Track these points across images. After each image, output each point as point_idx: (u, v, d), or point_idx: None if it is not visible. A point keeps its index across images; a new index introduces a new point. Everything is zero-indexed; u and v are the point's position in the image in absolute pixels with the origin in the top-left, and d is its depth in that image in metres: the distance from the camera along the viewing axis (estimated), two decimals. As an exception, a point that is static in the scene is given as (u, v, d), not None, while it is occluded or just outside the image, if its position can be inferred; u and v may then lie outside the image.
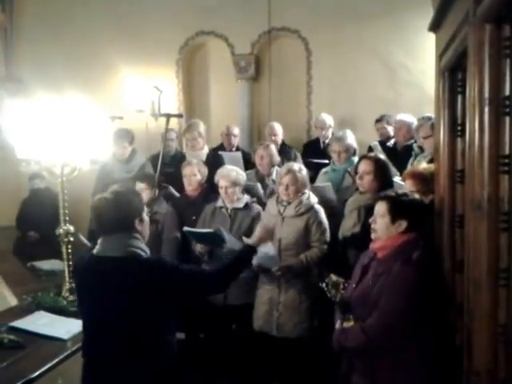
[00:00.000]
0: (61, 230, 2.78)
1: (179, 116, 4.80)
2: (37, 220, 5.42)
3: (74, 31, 6.30)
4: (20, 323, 2.38)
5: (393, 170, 3.58)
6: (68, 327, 2.40)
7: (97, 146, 2.84)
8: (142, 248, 2.08)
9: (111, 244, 2.04)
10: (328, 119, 5.28)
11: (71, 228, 2.80)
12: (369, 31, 5.60)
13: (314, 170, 4.27)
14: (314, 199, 3.50)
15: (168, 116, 3.81)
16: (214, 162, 4.39)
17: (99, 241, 2.07)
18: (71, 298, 2.71)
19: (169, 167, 4.69)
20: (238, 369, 3.50)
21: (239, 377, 3.55)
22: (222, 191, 3.65)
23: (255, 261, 3.26)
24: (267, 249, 3.17)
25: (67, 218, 2.82)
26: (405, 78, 5.64)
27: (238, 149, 5.34)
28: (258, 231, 2.50)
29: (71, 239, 2.81)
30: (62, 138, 2.72)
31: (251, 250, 2.38)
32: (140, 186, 3.75)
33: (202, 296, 2.65)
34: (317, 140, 5.40)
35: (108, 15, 6.24)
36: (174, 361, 2.09)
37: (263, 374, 3.41)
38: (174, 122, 5.92)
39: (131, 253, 2.04)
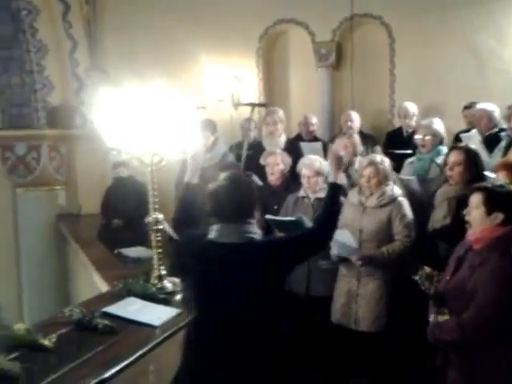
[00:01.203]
0: (150, 219, 2.82)
1: (263, 105, 4.77)
2: (120, 208, 5.59)
3: (155, 22, 6.41)
4: (112, 309, 2.44)
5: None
6: (158, 314, 2.43)
7: (185, 135, 2.84)
8: (258, 233, 2.09)
9: (229, 231, 2.04)
10: (412, 107, 5.09)
11: (160, 216, 2.84)
12: (455, 18, 5.39)
13: (397, 161, 4.12)
14: (397, 191, 3.38)
15: (252, 105, 3.77)
16: (291, 151, 4.33)
17: (215, 227, 2.06)
18: (159, 285, 2.74)
19: (247, 156, 4.69)
20: (316, 362, 3.43)
21: (318, 370, 3.49)
22: (304, 181, 3.59)
23: (334, 250, 3.22)
24: (345, 237, 3.09)
25: (156, 207, 2.85)
26: (495, 65, 5.41)
27: (316, 138, 5.26)
28: (330, 164, 2.48)
29: (160, 227, 2.84)
30: (152, 127, 2.75)
31: (336, 187, 2.33)
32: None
33: (314, 254, 2.65)
34: (400, 129, 5.22)
35: (187, 5, 6.31)
36: (287, 346, 2.09)
37: (342, 368, 3.33)
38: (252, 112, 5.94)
39: (248, 238, 2.04)
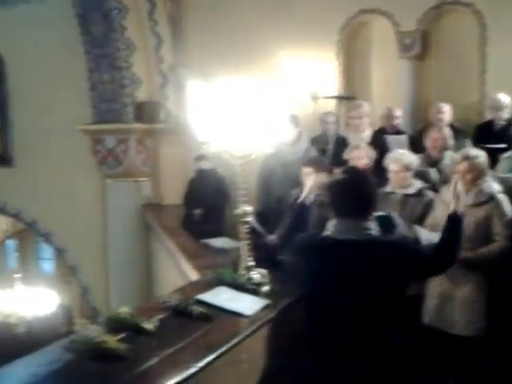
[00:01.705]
0: (238, 211, 2.89)
1: (351, 98, 4.71)
2: (201, 199, 5.77)
3: (236, 17, 6.49)
4: (204, 296, 2.53)
5: None
6: (249, 304, 2.49)
7: (273, 129, 2.88)
8: (376, 229, 2.07)
9: (348, 226, 2.02)
10: (505, 99, 4.82)
11: (248, 209, 2.90)
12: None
13: (489, 156, 3.93)
14: (496, 188, 3.20)
15: (339, 98, 3.74)
16: (377, 145, 4.25)
17: (333, 222, 2.07)
18: (248, 275, 2.81)
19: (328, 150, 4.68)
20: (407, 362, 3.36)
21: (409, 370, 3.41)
22: (392, 176, 3.51)
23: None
24: (434, 237, 2.99)
25: (244, 199, 2.91)
26: None
27: (399, 131, 5.13)
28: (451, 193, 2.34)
29: (248, 219, 2.90)
30: (242, 120, 2.80)
31: (456, 219, 2.23)
32: (306, 171, 3.76)
33: (429, 276, 2.62)
34: (490, 122, 4.96)
35: (267, -1, 6.35)
36: (400, 350, 2.06)
37: (436, 370, 3.24)
38: (331, 105, 5.90)
39: (368, 235, 2.02)
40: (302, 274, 2.17)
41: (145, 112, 6.62)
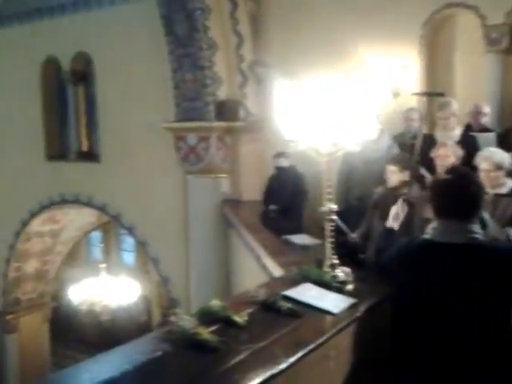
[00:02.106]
0: (324, 208, 2.89)
1: (441, 94, 4.57)
2: (279, 196, 5.82)
3: (317, 14, 6.46)
4: (291, 293, 2.56)
5: None
6: (335, 301, 2.49)
7: (360, 126, 2.86)
8: (481, 233, 1.97)
9: (452, 229, 1.95)
10: None
11: (334, 207, 2.90)
12: None
13: None
14: None
15: (429, 95, 3.64)
16: (467, 143, 4.09)
17: (435, 224, 2.03)
18: (332, 273, 2.81)
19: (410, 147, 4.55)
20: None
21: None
22: (482, 175, 3.37)
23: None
24: None
25: (330, 197, 2.91)
26: None
27: (487, 129, 4.90)
28: None
29: (333, 217, 2.90)
30: (328, 118, 2.80)
31: None
32: (391, 169, 3.70)
33: None
34: None
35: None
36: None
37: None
38: (414, 102, 5.73)
39: (473, 239, 1.93)
40: (400, 278, 2.11)
41: (225, 110, 6.77)
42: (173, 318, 2.15)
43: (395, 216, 3.14)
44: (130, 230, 8.35)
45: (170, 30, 6.66)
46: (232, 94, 6.86)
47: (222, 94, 6.81)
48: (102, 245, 14.14)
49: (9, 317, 9.89)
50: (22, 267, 9.79)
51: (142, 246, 8.41)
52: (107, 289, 9.12)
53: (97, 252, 15.13)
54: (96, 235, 14.63)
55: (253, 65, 6.89)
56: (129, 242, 15.10)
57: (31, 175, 9.04)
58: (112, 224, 13.63)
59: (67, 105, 8.71)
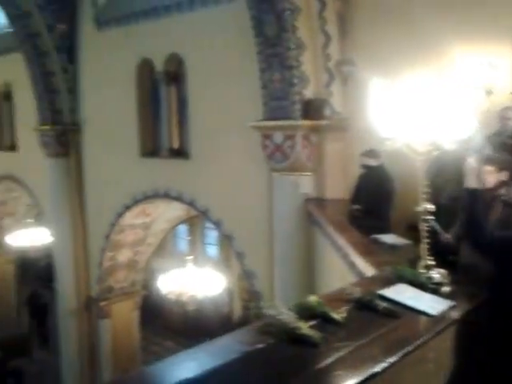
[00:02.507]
0: (420, 208, 2.88)
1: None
2: (366, 195, 5.77)
3: (406, 12, 6.30)
4: (387, 292, 2.58)
5: None
6: (432, 303, 2.48)
7: (457, 125, 2.81)
8: None
9: None
10: None
11: (430, 206, 2.87)
12: None
13: None
14: None
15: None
16: None
17: None
18: (427, 274, 2.79)
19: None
20: None
21: None
22: None
23: None
24: None
25: (425, 197, 2.89)
26: None
27: None
28: None
29: (429, 217, 2.88)
30: (426, 117, 2.78)
31: None
32: (487, 169, 3.58)
33: None
34: None
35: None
36: None
37: None
38: (508, 101, 5.46)
39: None
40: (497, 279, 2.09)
41: (311, 109, 6.81)
42: (272, 312, 2.25)
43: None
44: (217, 225, 8.63)
45: (260, 31, 6.79)
46: (318, 93, 6.89)
47: (309, 92, 6.84)
48: (189, 238, 14.68)
49: (103, 303, 10.59)
50: (116, 257, 10.45)
51: (227, 240, 8.66)
52: (194, 280, 9.50)
53: (183, 244, 15.78)
54: (182, 228, 15.25)
55: (339, 64, 6.87)
56: (212, 235, 15.62)
57: (126, 171, 9.61)
58: (198, 218, 14.16)
59: (160, 104, 9.15)
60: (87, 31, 9.79)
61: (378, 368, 1.91)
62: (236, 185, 8.06)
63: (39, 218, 12.10)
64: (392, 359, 1.97)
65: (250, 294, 14.17)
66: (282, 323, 2.16)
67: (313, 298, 2.37)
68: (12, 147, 12.37)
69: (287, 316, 2.20)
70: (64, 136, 10.17)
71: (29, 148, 11.54)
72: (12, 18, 9.53)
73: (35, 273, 18.39)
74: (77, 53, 9.95)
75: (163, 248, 14.56)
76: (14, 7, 9.18)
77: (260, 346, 2.07)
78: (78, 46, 9.92)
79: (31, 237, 11.59)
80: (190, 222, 14.48)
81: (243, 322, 14.76)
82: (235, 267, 14.89)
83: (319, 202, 6.91)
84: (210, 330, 14.63)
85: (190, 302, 9.66)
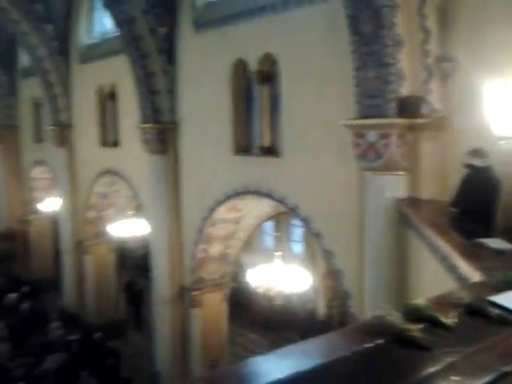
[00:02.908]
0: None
1: None
2: (470, 197, 5.52)
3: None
4: (498, 299, 2.52)
5: None
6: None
7: None
8: None
9: None
10: None
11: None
12: None
13: None
14: None
15: None
16: None
17: None
18: (541, 283, 2.69)
19: None
20: None
21: None
22: None
23: None
24: None
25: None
26: None
27: None
28: None
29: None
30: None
31: None
32: None
33: None
34: None
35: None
36: None
37: None
38: None
39: None
40: None
41: (407, 107, 6.67)
42: (378, 312, 2.29)
43: None
44: (306, 222, 8.71)
45: (355, 29, 6.75)
46: (415, 90, 6.73)
47: (405, 90, 6.71)
48: (279, 234, 14.90)
49: (194, 293, 11.08)
50: (208, 249, 10.88)
51: (315, 238, 8.72)
52: (281, 275, 9.67)
53: (269, 240, 16.05)
54: (269, 225, 15.51)
55: (439, 60, 6.66)
56: (298, 233, 15.74)
57: (219, 168, 9.97)
58: (284, 215, 14.35)
59: (253, 103, 9.39)
60: (186, 33, 10.25)
61: (491, 377, 1.88)
62: (325, 183, 8.10)
63: (138, 210, 12.85)
64: (507, 368, 1.93)
65: (334, 292, 14.16)
66: (390, 324, 2.19)
67: (420, 301, 2.38)
68: (115, 143, 13.26)
69: (395, 317, 2.23)
70: (163, 134, 10.75)
71: (130, 144, 12.32)
72: (118, 22, 10.20)
73: (133, 262, 19.60)
74: (176, 54, 10.46)
75: (250, 243, 14.90)
76: (121, 13, 9.83)
77: (368, 345, 2.11)
78: (177, 47, 10.44)
79: (130, 228, 12.34)
80: (276, 218, 14.69)
81: (328, 319, 14.76)
82: (320, 265, 14.92)
83: (413, 202, 6.76)
84: (294, 325, 14.80)
85: (277, 297, 9.85)
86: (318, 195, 8.28)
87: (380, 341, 2.14)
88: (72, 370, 10.48)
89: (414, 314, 2.35)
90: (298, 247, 15.86)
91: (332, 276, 8.97)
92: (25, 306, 14.08)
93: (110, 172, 13.53)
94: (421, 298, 2.43)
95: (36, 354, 11.34)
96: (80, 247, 15.38)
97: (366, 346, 2.11)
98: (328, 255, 8.38)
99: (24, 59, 18.01)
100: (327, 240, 8.29)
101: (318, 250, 14.45)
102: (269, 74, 9.01)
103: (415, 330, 2.17)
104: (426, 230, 5.29)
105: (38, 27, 13.81)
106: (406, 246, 6.61)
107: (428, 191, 6.78)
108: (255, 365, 2.09)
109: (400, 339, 2.13)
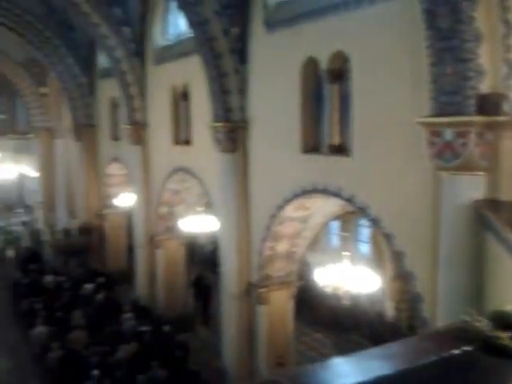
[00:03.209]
0: None
1: None
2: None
3: None
4: None
5: None
6: None
7: None
8: None
9: None
10: None
11: None
12: None
13: None
14: None
15: None
16: None
17: None
18: None
19: None
20: None
21: None
22: None
23: None
24: None
25: None
26: None
27: None
28: None
29: None
30: None
31: None
32: None
33: None
34: None
35: None
36: None
37: None
38: None
39: None
40: None
41: (487, 104, 6.39)
42: (465, 317, 2.24)
43: None
44: (375, 222, 8.56)
45: (432, 24, 6.54)
46: (495, 87, 6.43)
47: (484, 86, 6.43)
48: (347, 234, 14.75)
49: (261, 290, 11.19)
50: (275, 247, 10.95)
51: (386, 239, 8.55)
52: (349, 276, 9.56)
53: (335, 240, 15.91)
54: (335, 224, 15.38)
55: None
56: (365, 233, 15.50)
57: (288, 166, 10.01)
58: (351, 215, 14.17)
59: (322, 102, 9.34)
60: (257, 33, 10.36)
61: None
62: (397, 182, 7.93)
63: (208, 207, 13.15)
64: None
65: (403, 295, 13.81)
66: (478, 330, 2.13)
67: (509, 308, 2.29)
68: (187, 142, 13.64)
69: (483, 323, 2.16)
70: (233, 133, 10.93)
71: (201, 143, 12.64)
72: (192, 24, 10.48)
73: (201, 257, 20.10)
74: (247, 54, 10.60)
75: (316, 242, 14.85)
76: (195, 14, 10.09)
77: (455, 351, 2.06)
78: (248, 47, 10.57)
79: (200, 224, 12.65)
80: (343, 218, 14.54)
81: (395, 323, 14.43)
82: (388, 267, 14.60)
83: (492, 204, 6.47)
84: (360, 327, 14.59)
85: (345, 297, 9.75)
86: (389, 195, 8.12)
87: (468, 347, 2.09)
88: (143, 360, 10.91)
89: (503, 321, 2.27)
90: (365, 248, 15.61)
91: (402, 278, 8.78)
92: (100, 296, 14.80)
93: (181, 169, 13.94)
94: (510, 305, 2.33)
95: (110, 343, 11.91)
96: (152, 242, 15.96)
97: (453, 352, 2.06)
98: (399, 256, 8.19)
99: (102, 61, 18.93)
100: (398, 241, 8.11)
101: (386, 250, 14.20)
102: (340, 72, 8.92)
103: (505, 337, 2.09)
104: (507, 233, 5.05)
105: (116, 30, 14.47)
106: (484, 249, 6.34)
107: (509, 193, 6.48)
108: (336, 366, 2.11)
109: (489, 347, 2.07)
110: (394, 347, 2.24)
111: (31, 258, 19.17)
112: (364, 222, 14.76)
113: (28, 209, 28.95)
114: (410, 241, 7.86)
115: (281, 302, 11.44)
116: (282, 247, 11.05)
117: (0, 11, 18.32)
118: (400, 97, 7.71)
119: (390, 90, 7.87)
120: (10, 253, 20.96)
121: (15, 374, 13.09)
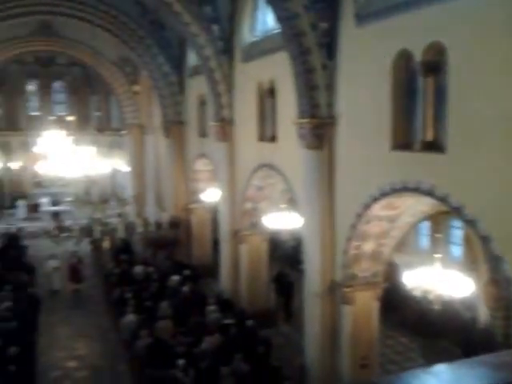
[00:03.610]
0: None
1: None
2: None
3: None
4: None
5: None
6: None
7: None
8: None
9: None
10: None
11: None
12: None
13: None
14: None
15: None
16: None
17: None
18: None
19: None
20: None
21: None
22: None
23: None
24: None
25: None
26: None
27: None
28: None
29: None
30: None
31: None
32: None
33: None
34: None
35: None
36: None
37: None
38: None
39: None
40: None
41: None
42: None
43: None
44: (471, 224, 8.06)
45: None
46: None
47: None
48: (439, 235, 14.07)
49: (346, 289, 10.97)
50: (361, 246, 10.68)
51: (482, 242, 8.02)
52: (440, 279, 9.08)
53: (424, 241, 15.23)
54: (425, 225, 14.72)
55: None
56: (458, 235, 14.69)
57: (376, 164, 9.71)
58: (443, 215, 13.49)
59: (415, 96, 8.93)
60: (346, 27, 10.13)
61: None
62: (498, 182, 7.41)
63: (291, 204, 13.12)
64: None
65: (500, 301, 12.95)
66: None
67: None
68: (272, 138, 13.69)
69: None
70: (319, 129, 10.77)
71: (286, 140, 12.62)
72: (280, 19, 10.45)
73: (283, 253, 20.16)
74: (336, 49, 10.40)
75: (404, 243, 14.31)
76: (284, 10, 10.05)
77: None
78: (337, 42, 10.37)
79: (283, 220, 12.64)
80: (433, 218, 13.88)
81: (489, 330, 13.57)
82: (483, 271, 13.74)
83: None
84: (449, 332, 13.89)
85: (436, 301, 9.29)
86: (488, 195, 7.61)
87: None
88: (227, 353, 11.10)
89: None
90: (457, 250, 14.80)
91: (498, 283, 8.20)
92: (185, 288, 15.27)
93: (266, 166, 14.01)
94: None
95: (194, 334, 12.23)
96: (236, 237, 16.22)
97: None
98: (496, 261, 7.66)
99: (191, 59, 19.51)
100: (497, 244, 7.58)
101: (480, 254, 13.37)
102: (435, 64, 8.48)
103: None
104: None
105: (206, 28, 14.82)
106: None
107: None
108: (445, 372, 1.97)
109: None
110: (504, 356, 2.05)
111: (123, 249, 20.20)
112: (456, 222, 13.99)
113: (121, 202, 30.56)
114: (510, 244, 7.31)
115: (366, 302, 11.16)
116: (368, 247, 10.76)
117: (98, 14, 19.47)
118: (504, 90, 7.18)
119: (493, 82, 7.34)
120: (106, 244, 22.21)
121: (106, 358, 13.88)
